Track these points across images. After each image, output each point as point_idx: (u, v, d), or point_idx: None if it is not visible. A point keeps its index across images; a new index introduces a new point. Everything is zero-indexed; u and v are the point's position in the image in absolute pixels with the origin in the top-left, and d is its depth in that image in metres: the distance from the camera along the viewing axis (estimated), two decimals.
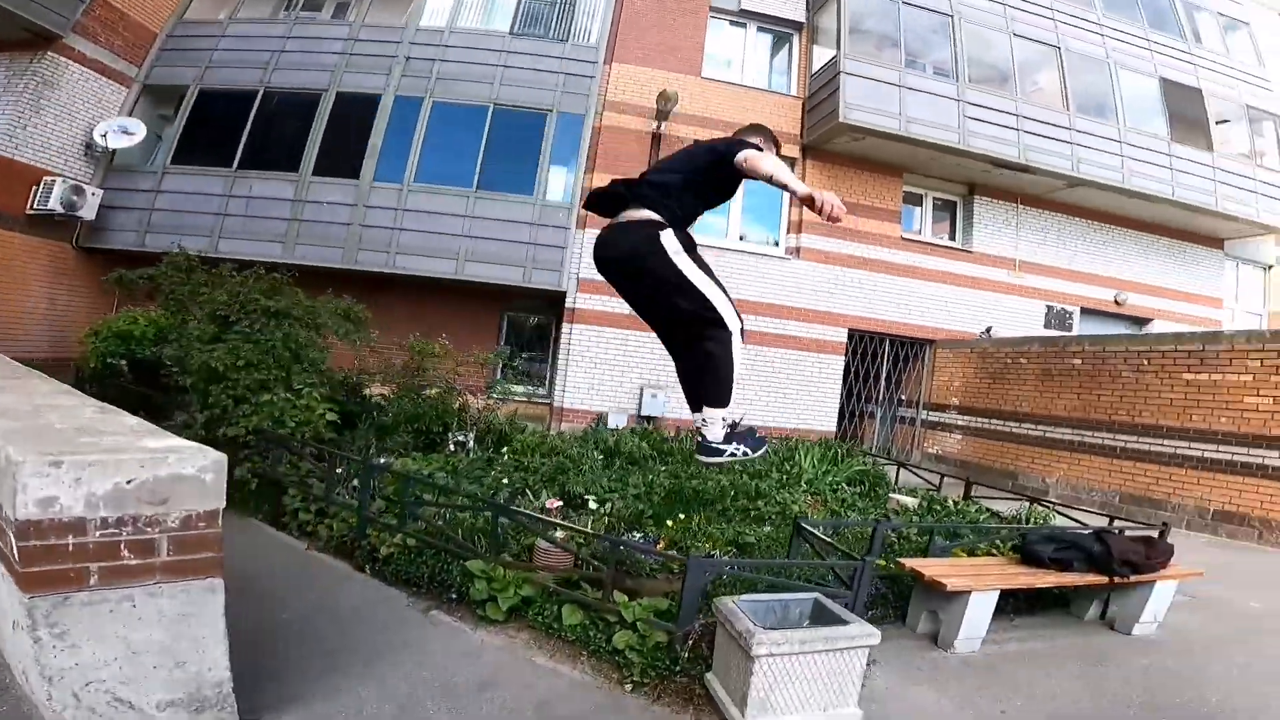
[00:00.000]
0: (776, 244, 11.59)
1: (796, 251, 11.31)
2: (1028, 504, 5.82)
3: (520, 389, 11.27)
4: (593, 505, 4.54)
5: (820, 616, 2.80)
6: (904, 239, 11.74)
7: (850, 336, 11.32)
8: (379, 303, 10.83)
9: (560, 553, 3.65)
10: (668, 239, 2.65)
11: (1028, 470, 8.76)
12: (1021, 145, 11.30)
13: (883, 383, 11.61)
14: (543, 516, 3.92)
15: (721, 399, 2.68)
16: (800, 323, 11.05)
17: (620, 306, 10.68)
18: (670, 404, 10.49)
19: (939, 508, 6.16)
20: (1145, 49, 12.31)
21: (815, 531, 3.77)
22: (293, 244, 10.23)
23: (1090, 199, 12.07)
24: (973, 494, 6.54)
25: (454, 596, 3.61)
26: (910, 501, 6.30)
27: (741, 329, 2.73)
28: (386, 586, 3.88)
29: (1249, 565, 5.40)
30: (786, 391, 10.94)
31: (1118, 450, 7.53)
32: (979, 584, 3.35)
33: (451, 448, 6.75)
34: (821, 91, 11.25)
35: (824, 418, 11.11)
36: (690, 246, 2.71)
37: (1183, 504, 6.75)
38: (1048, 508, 5.66)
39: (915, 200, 12.44)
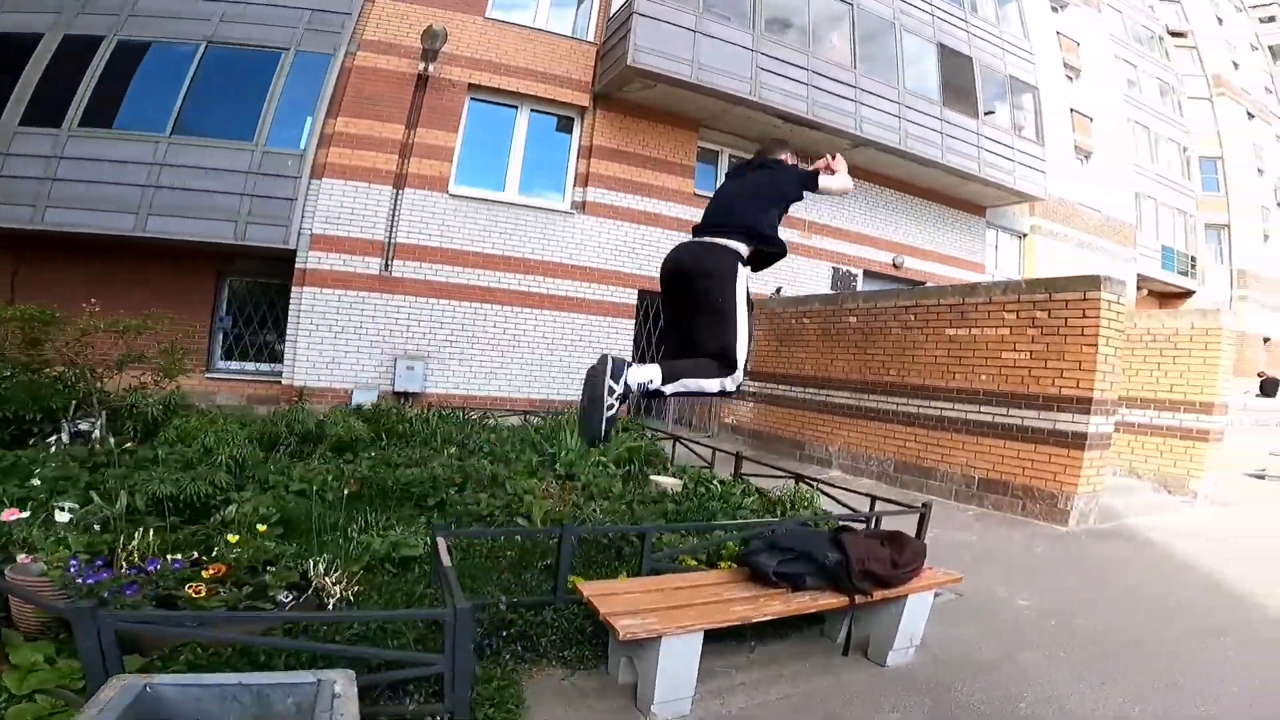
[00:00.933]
0: (561, 198, 10.32)
1: (582, 207, 10.13)
2: (795, 483, 5.07)
3: (251, 366, 9.16)
4: (62, 516, 2.95)
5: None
6: (698, 195, 10.98)
7: (641, 298, 10.41)
8: (30, 267, 8.28)
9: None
10: (743, 276, 2.75)
11: (813, 439, 8.34)
12: (810, 101, 10.97)
13: None
14: None
15: (670, 377, 2.64)
16: (587, 284, 9.94)
17: (365, 267, 8.78)
18: (432, 375, 8.92)
19: (703, 490, 5.28)
20: (928, 14, 12.49)
21: (442, 545, 2.49)
22: None
23: (873, 161, 12.13)
24: (743, 471, 5.75)
25: None
26: (673, 484, 5.36)
27: (739, 385, 2.80)
28: None
29: (1015, 545, 5.01)
30: (573, 360, 9.79)
31: (890, 414, 7.19)
32: (670, 624, 2.28)
33: (66, 439, 4.91)
34: (615, 35, 10.14)
35: None
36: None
37: (950, 472, 6.45)
38: (813, 486, 4.94)
39: (711, 157, 11.77)
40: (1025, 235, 15.19)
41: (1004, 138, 13.03)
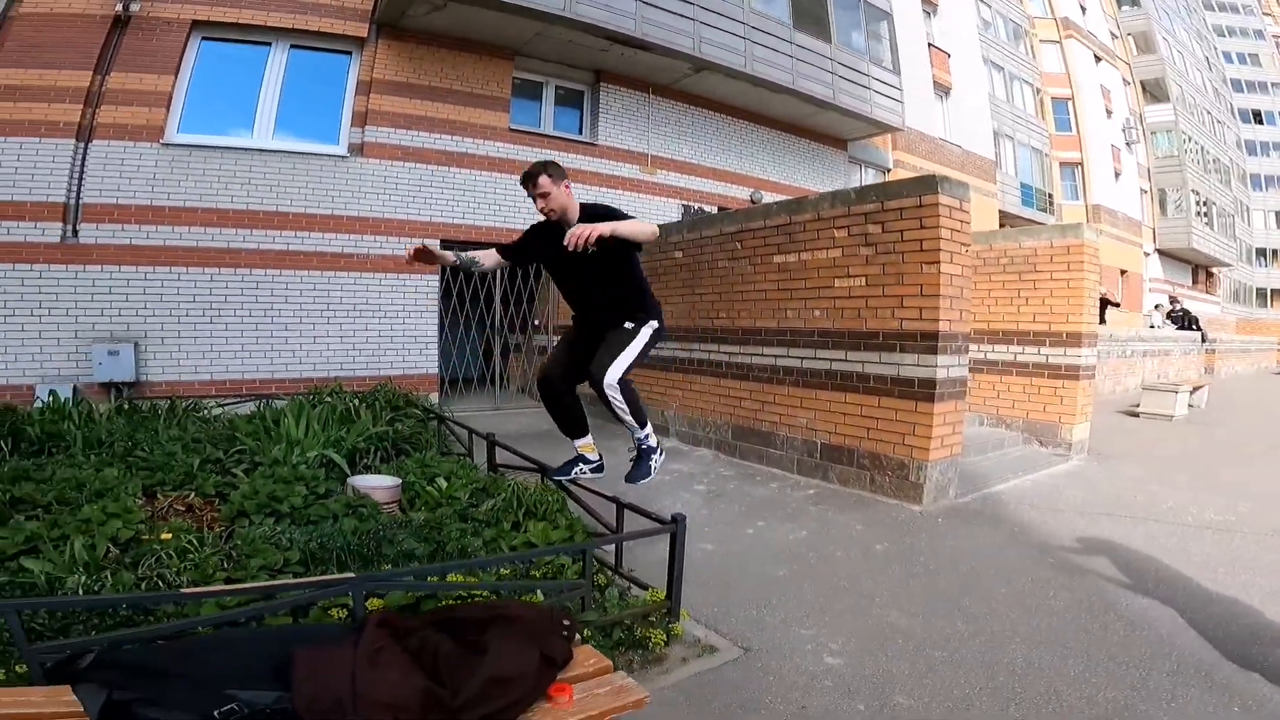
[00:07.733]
0: (336, 142, 8.27)
1: (361, 149, 8.16)
2: (540, 479, 3.58)
3: None
4: None
5: None
6: (513, 130, 9.24)
7: (446, 250, 8.60)
8: None
9: None
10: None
11: (649, 401, 6.94)
12: (639, 18, 9.36)
13: (497, 305, 9.17)
14: None
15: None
16: (371, 237, 8.05)
17: (40, 235, 5.60)
18: (154, 360, 6.86)
19: (415, 493, 3.73)
20: None
21: None
22: None
23: (718, 89, 10.79)
24: (500, 462, 4.23)
25: None
26: (384, 487, 3.76)
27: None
28: None
29: (852, 545, 3.63)
30: (357, 328, 7.98)
31: (722, 367, 5.87)
32: None
33: None
34: None
35: (420, 358, 8.40)
36: None
37: (790, 437, 5.14)
38: (558, 485, 3.45)
39: (533, 90, 10.01)
40: (890, 170, 14.40)
41: (859, 64, 11.97)
